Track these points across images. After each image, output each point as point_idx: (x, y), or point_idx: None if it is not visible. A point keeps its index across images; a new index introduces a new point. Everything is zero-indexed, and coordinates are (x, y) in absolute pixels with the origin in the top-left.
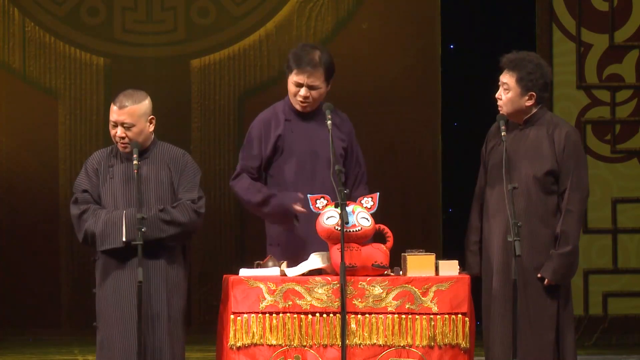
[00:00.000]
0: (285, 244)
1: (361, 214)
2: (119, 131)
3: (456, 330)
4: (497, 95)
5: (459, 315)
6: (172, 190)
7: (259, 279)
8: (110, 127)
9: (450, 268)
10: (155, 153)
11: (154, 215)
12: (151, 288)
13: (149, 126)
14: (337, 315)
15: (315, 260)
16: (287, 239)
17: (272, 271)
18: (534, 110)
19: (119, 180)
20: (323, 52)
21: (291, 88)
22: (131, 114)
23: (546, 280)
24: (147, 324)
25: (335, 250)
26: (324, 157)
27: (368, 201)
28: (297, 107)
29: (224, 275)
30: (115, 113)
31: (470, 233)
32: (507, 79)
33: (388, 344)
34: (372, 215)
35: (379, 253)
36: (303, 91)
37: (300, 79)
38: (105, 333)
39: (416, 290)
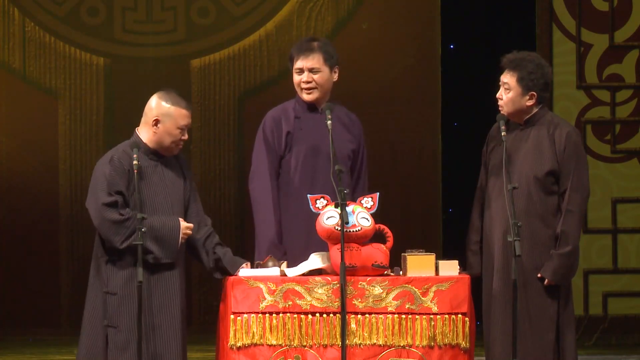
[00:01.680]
0: (285, 241)
1: (361, 214)
2: (186, 134)
3: (456, 330)
4: (498, 95)
5: (459, 315)
6: (183, 190)
7: (259, 279)
8: (178, 133)
9: (450, 268)
10: None
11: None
12: (177, 292)
13: None
14: (337, 315)
15: (315, 260)
16: (286, 239)
17: (272, 271)
18: (535, 110)
19: (153, 182)
20: (322, 40)
21: (295, 78)
22: None
23: (546, 281)
24: (169, 327)
25: (335, 250)
26: (328, 156)
27: (368, 201)
28: (304, 96)
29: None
30: (188, 117)
31: (471, 233)
32: (507, 78)
33: (388, 344)
34: (372, 215)
35: (379, 253)
36: (305, 76)
37: (300, 64)
38: (132, 336)
39: (416, 290)
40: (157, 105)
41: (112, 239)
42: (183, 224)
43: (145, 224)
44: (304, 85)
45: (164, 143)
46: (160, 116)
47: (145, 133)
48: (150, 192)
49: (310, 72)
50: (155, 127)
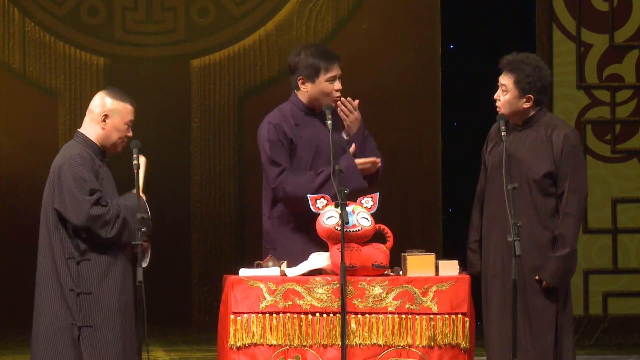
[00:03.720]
0: (284, 244)
1: (361, 214)
2: (130, 131)
3: (456, 330)
4: (495, 96)
5: (459, 315)
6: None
7: (259, 279)
8: (125, 129)
9: (450, 268)
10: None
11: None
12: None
13: None
14: (337, 315)
15: (315, 260)
16: (285, 239)
17: (272, 271)
18: (532, 112)
19: (107, 184)
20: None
21: (326, 87)
22: None
23: (544, 283)
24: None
25: (335, 250)
26: (329, 158)
27: (368, 201)
28: (333, 102)
29: (224, 275)
30: (133, 113)
31: (471, 232)
32: (505, 80)
33: (388, 344)
34: (372, 215)
35: (379, 253)
36: (338, 83)
37: (335, 71)
38: (108, 334)
39: (416, 290)
40: (104, 101)
41: (102, 232)
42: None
43: (145, 224)
44: (337, 94)
45: (111, 139)
46: (109, 112)
47: (91, 130)
48: (108, 192)
49: (339, 80)
50: (103, 122)
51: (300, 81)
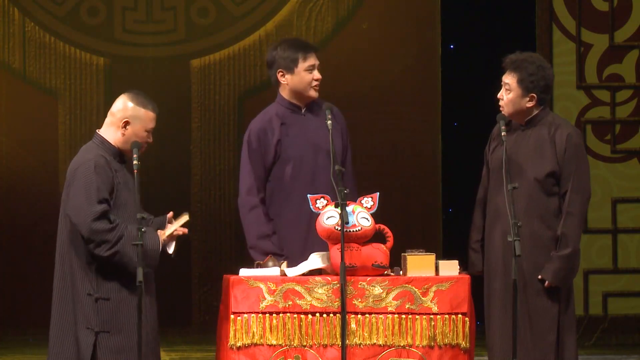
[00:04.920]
0: (284, 244)
1: (361, 214)
2: (151, 137)
3: (456, 330)
4: (499, 96)
5: (459, 315)
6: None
7: (259, 279)
8: (146, 135)
9: (450, 268)
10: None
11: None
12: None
13: None
14: (337, 315)
15: (315, 260)
16: (285, 239)
17: (272, 271)
18: (536, 112)
19: (125, 187)
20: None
21: (305, 77)
22: None
23: (547, 283)
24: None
25: (335, 250)
26: (322, 157)
27: (368, 201)
28: (313, 93)
29: (224, 275)
30: (155, 120)
31: (473, 231)
32: (509, 79)
33: (388, 344)
34: (372, 215)
35: (379, 253)
36: (317, 73)
37: (312, 60)
38: (128, 340)
39: (416, 290)
40: (126, 106)
41: (99, 249)
42: (162, 235)
43: (144, 224)
44: (316, 83)
45: (130, 145)
46: (130, 118)
47: (111, 134)
48: (125, 195)
49: (318, 70)
50: (124, 128)
51: (280, 74)
